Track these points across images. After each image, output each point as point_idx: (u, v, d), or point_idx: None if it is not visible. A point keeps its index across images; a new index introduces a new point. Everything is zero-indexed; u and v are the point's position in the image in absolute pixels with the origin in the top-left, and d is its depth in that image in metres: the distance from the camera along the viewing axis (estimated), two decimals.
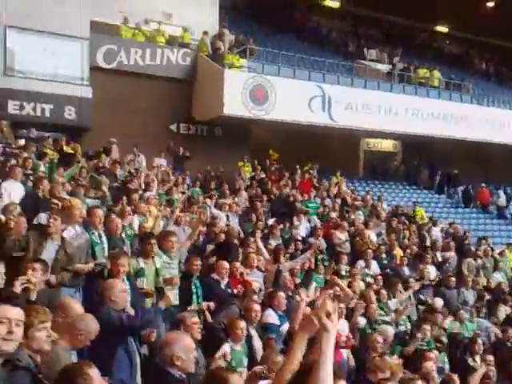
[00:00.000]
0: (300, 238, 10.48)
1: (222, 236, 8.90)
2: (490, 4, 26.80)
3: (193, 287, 6.50)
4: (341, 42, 24.69)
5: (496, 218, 19.30)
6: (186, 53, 17.33)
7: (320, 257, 10.06)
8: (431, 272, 10.81)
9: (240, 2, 24.68)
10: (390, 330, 7.43)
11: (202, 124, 17.38)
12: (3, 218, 6.31)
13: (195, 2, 17.81)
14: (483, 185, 19.64)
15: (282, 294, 6.55)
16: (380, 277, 9.39)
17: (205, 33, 17.61)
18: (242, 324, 5.31)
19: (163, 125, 16.67)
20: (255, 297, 6.55)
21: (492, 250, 12.67)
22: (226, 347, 5.16)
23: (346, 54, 22.94)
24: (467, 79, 22.82)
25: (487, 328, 8.88)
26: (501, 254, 12.62)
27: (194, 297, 6.53)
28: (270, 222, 11.15)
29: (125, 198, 8.56)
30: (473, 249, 12.63)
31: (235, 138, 16.82)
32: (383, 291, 8.49)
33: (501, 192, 19.73)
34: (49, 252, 5.53)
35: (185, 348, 3.60)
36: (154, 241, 6.30)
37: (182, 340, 3.68)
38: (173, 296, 6.22)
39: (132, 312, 5.12)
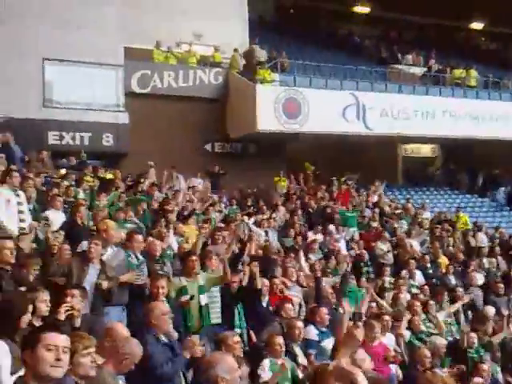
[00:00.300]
0: (342, 252, 10.34)
1: (261, 252, 8.88)
2: None
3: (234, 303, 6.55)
4: (372, 47, 24.42)
5: None
6: (218, 72, 17.54)
7: (365, 269, 9.90)
8: (479, 279, 10.48)
9: (268, 16, 24.88)
10: (441, 341, 7.20)
11: (236, 142, 17.48)
12: (51, 237, 6.48)
13: (224, 20, 17.96)
14: None
15: (323, 310, 6.48)
16: (426, 287, 9.13)
17: (235, 50, 17.80)
18: (280, 340, 5.29)
19: (198, 145, 16.84)
20: (289, 307, 6.48)
21: None
22: (265, 362, 5.16)
23: (379, 60, 22.66)
24: (506, 77, 22.16)
25: None
26: None
27: (236, 312, 6.55)
28: (310, 235, 11.05)
29: (163, 219, 8.66)
30: None
31: (270, 153, 16.84)
32: (431, 302, 8.24)
33: None
34: (90, 276, 5.66)
35: (228, 368, 3.56)
36: (195, 258, 6.35)
37: (225, 360, 3.64)
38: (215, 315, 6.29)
39: (175, 335, 5.13)
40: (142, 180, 11.63)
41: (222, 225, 9.88)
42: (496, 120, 19.15)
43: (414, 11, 25.01)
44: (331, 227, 11.43)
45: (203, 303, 6.12)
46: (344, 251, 10.53)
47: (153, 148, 15.09)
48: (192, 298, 5.94)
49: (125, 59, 16.17)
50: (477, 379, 5.88)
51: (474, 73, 21.05)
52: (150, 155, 14.11)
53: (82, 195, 9.14)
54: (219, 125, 17.16)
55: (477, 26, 28.85)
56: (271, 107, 16.29)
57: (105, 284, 5.57)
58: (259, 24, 21.42)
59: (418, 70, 21.75)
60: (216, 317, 6.32)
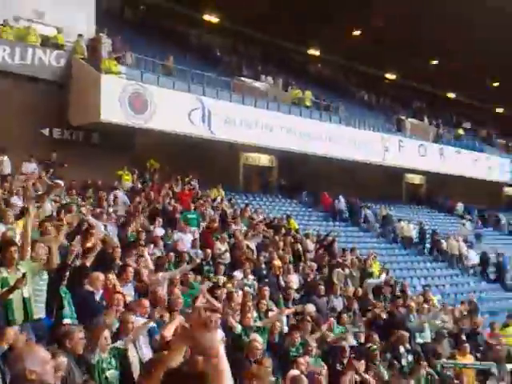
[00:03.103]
0: (184, 250, 10.43)
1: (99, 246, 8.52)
2: (357, 32, 28.89)
3: (62, 294, 6.25)
4: (221, 57, 25.11)
5: (364, 231, 20.67)
6: (60, 54, 16.45)
7: (206, 268, 10.14)
8: (294, 282, 11.21)
9: (115, 9, 24.07)
10: (259, 338, 7.51)
11: (78, 130, 16.51)
12: None
13: (69, 3, 16.97)
14: (325, 193, 21.11)
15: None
16: (261, 287, 9.54)
17: (80, 35, 16.94)
18: (107, 334, 5.38)
19: (35, 128, 15.56)
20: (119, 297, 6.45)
21: (359, 260, 13.56)
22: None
23: (226, 70, 23.30)
24: (336, 101, 24.38)
25: (354, 333, 9.41)
26: (366, 263, 13.64)
27: (66, 302, 6.26)
28: (156, 232, 10.97)
29: None
30: (340, 260, 13.37)
31: (115, 145, 16.24)
32: (264, 301, 8.66)
33: (341, 197, 21.02)
34: None
35: (38, 361, 3.34)
36: (15, 248, 5.86)
37: (34, 352, 3.41)
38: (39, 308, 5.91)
39: None
40: None
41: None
42: (325, 139, 20.94)
43: (260, 28, 26.18)
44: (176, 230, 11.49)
45: (26, 295, 5.72)
46: (187, 249, 10.66)
47: None
48: (24, 275, 5.49)
49: None
50: (293, 371, 6.36)
51: (309, 94, 22.86)
52: None
53: None
54: (60, 110, 16.07)
55: (314, 52, 31.22)
56: (116, 99, 15.77)
57: None
58: (107, 15, 20.55)
59: (261, 85, 22.93)
60: (40, 310, 5.94)
